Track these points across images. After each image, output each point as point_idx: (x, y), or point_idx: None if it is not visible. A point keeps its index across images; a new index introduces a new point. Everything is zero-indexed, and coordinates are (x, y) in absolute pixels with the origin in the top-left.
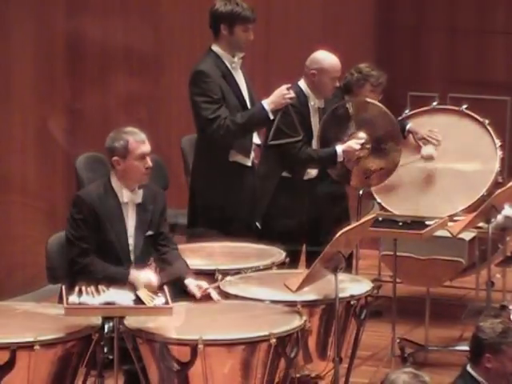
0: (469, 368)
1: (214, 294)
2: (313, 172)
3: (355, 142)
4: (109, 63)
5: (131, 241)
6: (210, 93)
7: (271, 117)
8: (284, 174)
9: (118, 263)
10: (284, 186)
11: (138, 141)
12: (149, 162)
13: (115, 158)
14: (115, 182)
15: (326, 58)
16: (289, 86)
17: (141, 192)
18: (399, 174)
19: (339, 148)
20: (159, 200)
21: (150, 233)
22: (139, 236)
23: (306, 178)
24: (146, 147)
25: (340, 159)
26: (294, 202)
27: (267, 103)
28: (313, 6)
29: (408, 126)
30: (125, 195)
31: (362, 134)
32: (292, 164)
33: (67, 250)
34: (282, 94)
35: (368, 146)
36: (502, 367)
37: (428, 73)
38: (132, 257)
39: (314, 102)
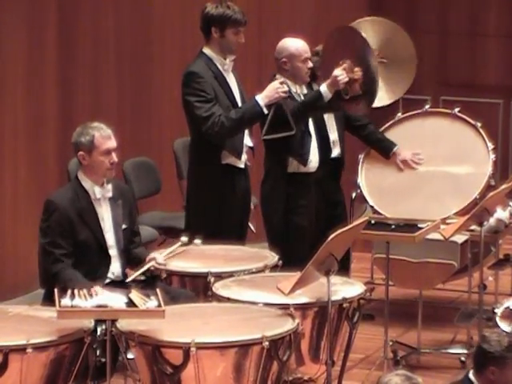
0: (471, 375)
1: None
2: (313, 161)
3: (337, 69)
4: (100, 66)
5: (111, 235)
6: (203, 92)
7: (265, 111)
8: (290, 170)
9: (96, 261)
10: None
11: (104, 136)
12: (114, 157)
13: (81, 152)
14: (84, 180)
15: (291, 43)
16: (282, 80)
17: (110, 186)
18: (392, 176)
19: (323, 86)
20: (127, 195)
21: (124, 226)
22: (118, 230)
23: (305, 171)
24: (112, 143)
25: (327, 95)
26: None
27: (261, 98)
28: (305, 8)
29: (394, 149)
30: (96, 191)
31: (346, 63)
32: (286, 120)
33: (42, 259)
34: (274, 88)
35: (357, 69)
36: (505, 381)
37: (420, 76)
38: (115, 252)
39: (295, 89)
